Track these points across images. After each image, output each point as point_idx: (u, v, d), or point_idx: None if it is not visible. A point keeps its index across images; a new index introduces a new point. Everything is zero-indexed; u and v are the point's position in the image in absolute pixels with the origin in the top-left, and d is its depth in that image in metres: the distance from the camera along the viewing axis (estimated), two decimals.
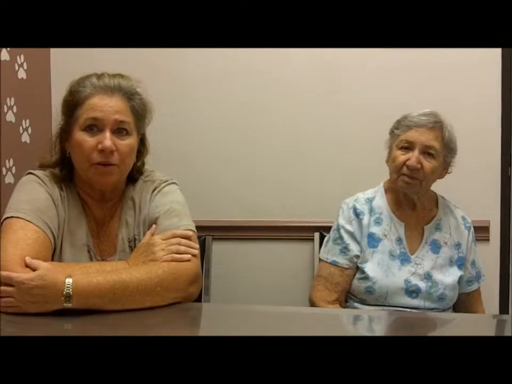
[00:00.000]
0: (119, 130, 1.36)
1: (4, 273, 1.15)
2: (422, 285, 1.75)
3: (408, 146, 1.74)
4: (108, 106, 1.34)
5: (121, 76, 1.40)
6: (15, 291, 1.13)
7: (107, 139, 1.32)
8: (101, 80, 1.37)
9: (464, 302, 1.89)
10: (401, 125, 1.77)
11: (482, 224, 2.16)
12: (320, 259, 1.87)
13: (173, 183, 1.50)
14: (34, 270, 1.15)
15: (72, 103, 1.36)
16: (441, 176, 1.81)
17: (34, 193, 1.36)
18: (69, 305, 1.14)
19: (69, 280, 1.14)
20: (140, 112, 1.41)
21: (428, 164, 1.72)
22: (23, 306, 1.13)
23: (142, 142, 1.46)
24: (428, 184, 1.78)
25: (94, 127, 1.34)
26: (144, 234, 1.40)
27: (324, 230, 2.12)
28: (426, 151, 1.72)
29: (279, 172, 2.29)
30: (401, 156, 1.75)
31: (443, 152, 1.74)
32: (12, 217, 1.29)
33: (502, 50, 2.18)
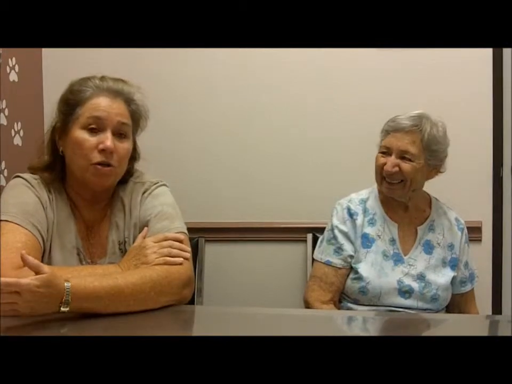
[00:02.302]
0: (119, 133, 1.37)
1: (9, 279, 1.07)
2: (415, 285, 1.75)
3: (387, 152, 1.75)
4: (111, 107, 1.36)
5: (122, 80, 1.42)
6: (17, 296, 1.09)
7: (109, 139, 1.34)
8: (104, 82, 1.38)
9: (458, 303, 1.90)
10: (383, 129, 1.79)
11: (474, 225, 2.17)
12: (314, 259, 1.87)
13: (163, 185, 1.50)
14: (35, 270, 1.11)
15: (73, 102, 1.36)
16: (429, 177, 1.80)
17: (23, 197, 1.35)
18: (65, 309, 1.13)
19: (67, 285, 1.13)
20: (137, 118, 1.44)
21: (406, 165, 1.71)
22: (21, 310, 1.11)
23: (134, 147, 1.47)
24: (413, 185, 1.75)
25: (95, 126, 1.34)
26: (135, 237, 1.39)
27: (316, 231, 2.11)
28: (403, 156, 1.72)
29: (271, 173, 2.29)
30: (380, 159, 1.76)
31: (423, 155, 1.72)
32: (0, 220, 1.29)
33: (493, 51, 2.19)
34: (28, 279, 1.07)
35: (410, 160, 1.71)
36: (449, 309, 1.87)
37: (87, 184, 1.38)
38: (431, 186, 1.86)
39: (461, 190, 2.18)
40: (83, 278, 1.18)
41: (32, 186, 1.38)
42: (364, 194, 1.87)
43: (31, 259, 1.12)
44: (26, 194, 1.36)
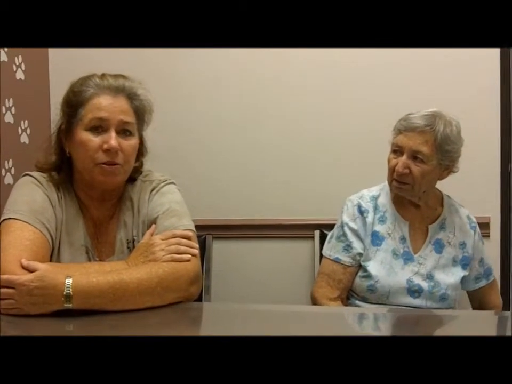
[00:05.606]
0: (123, 130, 1.37)
1: (3, 276, 1.15)
2: (424, 284, 1.74)
3: (398, 150, 1.73)
4: (113, 106, 1.35)
5: (123, 76, 1.41)
6: (15, 293, 1.13)
7: (113, 139, 1.33)
8: (104, 80, 1.37)
9: (475, 298, 1.91)
10: (395, 127, 1.76)
11: (482, 221, 2.15)
12: (323, 255, 1.86)
13: (171, 182, 1.50)
14: (32, 271, 1.15)
15: (75, 103, 1.36)
16: (442, 177, 1.78)
17: (31, 195, 1.35)
18: (69, 305, 1.13)
19: (68, 281, 1.14)
20: (142, 113, 1.43)
21: (416, 168, 1.69)
22: (24, 307, 1.13)
23: (141, 142, 1.46)
24: (422, 187, 1.74)
25: (98, 127, 1.34)
26: (143, 235, 1.39)
27: (324, 228, 2.12)
28: (415, 156, 1.69)
29: (279, 170, 2.28)
30: (392, 160, 1.74)
31: (436, 155, 1.69)
32: (9, 218, 1.29)
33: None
34: (21, 275, 1.14)
35: (422, 160, 1.69)
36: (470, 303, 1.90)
37: (95, 183, 1.38)
38: (439, 182, 1.84)
39: (469, 185, 2.16)
40: (87, 274, 1.19)
41: (41, 184, 1.38)
42: (375, 191, 1.86)
43: (26, 262, 1.17)
44: (35, 193, 1.36)
